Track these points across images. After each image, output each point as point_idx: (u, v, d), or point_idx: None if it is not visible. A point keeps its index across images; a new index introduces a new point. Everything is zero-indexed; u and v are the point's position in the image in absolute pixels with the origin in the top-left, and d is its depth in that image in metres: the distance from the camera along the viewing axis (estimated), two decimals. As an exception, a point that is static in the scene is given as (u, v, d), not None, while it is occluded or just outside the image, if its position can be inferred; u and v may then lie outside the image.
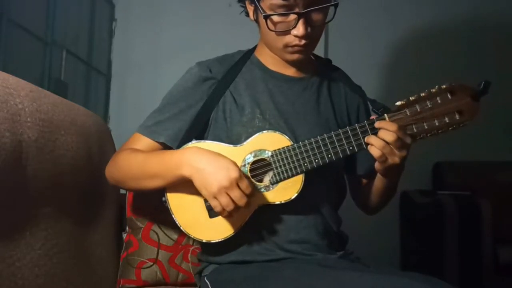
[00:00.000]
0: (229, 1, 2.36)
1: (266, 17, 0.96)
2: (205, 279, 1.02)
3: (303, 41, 0.98)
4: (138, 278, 1.21)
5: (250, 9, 1.05)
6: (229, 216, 0.92)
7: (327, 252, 1.02)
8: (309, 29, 0.96)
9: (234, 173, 0.88)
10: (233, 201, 0.88)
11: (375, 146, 0.90)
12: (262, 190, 0.96)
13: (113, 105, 2.46)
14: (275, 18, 0.96)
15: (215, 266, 1.03)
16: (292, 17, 0.96)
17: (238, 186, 0.88)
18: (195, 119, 1.05)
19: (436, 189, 2.33)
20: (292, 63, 1.07)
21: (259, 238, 1.00)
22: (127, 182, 1.03)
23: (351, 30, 2.35)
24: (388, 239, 2.38)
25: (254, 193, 0.91)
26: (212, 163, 0.90)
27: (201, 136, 1.06)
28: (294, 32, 0.96)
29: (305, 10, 0.94)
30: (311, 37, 0.99)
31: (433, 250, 2.06)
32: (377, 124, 0.91)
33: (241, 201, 0.88)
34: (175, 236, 1.24)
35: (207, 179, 0.89)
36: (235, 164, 0.91)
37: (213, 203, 0.90)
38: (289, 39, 0.98)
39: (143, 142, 1.04)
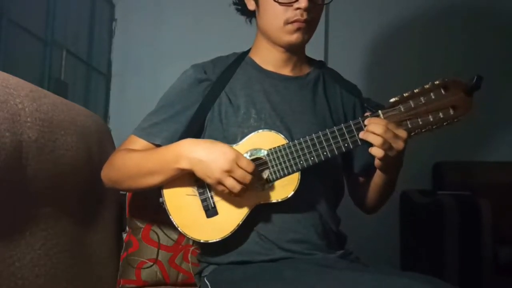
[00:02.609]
0: (229, 1, 2.37)
1: None
2: (205, 280, 1.02)
3: (304, 16, 0.99)
4: (138, 278, 1.21)
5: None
6: (238, 196, 0.93)
7: (326, 252, 1.02)
8: (310, 5, 0.98)
9: (232, 155, 0.90)
10: (238, 181, 0.90)
11: (374, 143, 0.90)
12: (259, 189, 0.96)
13: (113, 105, 2.46)
14: None
15: (215, 266, 1.03)
16: None
17: (239, 166, 0.90)
18: (191, 121, 1.05)
19: (436, 189, 2.33)
20: (289, 49, 1.06)
21: (257, 238, 1.00)
22: (124, 182, 1.03)
23: (349, 29, 2.36)
24: (388, 239, 2.38)
25: (256, 171, 0.92)
26: (208, 151, 0.92)
27: (197, 138, 1.06)
28: (296, 5, 0.98)
29: None
30: (311, 15, 1.00)
31: (433, 250, 2.06)
32: (366, 122, 0.92)
33: (246, 178, 0.90)
34: (175, 236, 1.24)
35: (207, 168, 0.91)
36: (230, 147, 0.93)
37: (220, 188, 0.92)
38: (291, 13, 0.99)
39: (139, 144, 1.05)
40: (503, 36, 2.51)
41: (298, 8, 0.98)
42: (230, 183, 0.90)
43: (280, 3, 0.99)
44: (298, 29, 1.01)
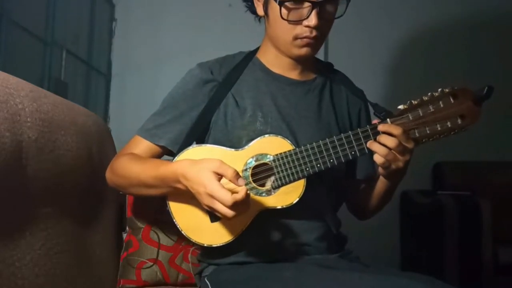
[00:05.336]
0: (229, 1, 2.38)
1: (281, 3, 0.95)
2: (205, 280, 1.02)
3: (314, 33, 0.97)
4: (138, 278, 1.21)
5: (259, 4, 1.04)
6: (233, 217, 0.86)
7: (326, 254, 1.02)
8: (320, 22, 0.96)
9: (207, 188, 0.83)
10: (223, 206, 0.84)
11: (378, 153, 0.90)
12: (264, 194, 0.96)
13: (113, 105, 2.46)
14: (289, 5, 0.96)
15: (215, 266, 1.03)
16: (306, 5, 0.95)
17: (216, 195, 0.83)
18: (196, 122, 1.04)
19: (436, 189, 2.34)
20: (297, 60, 1.05)
21: (259, 241, 1.00)
22: (127, 190, 1.05)
23: (351, 32, 2.35)
24: (388, 239, 2.38)
25: (246, 200, 0.84)
26: (194, 179, 0.87)
27: (201, 139, 1.06)
28: (306, 22, 0.96)
29: (319, 0, 0.94)
30: (320, 31, 0.98)
31: (433, 250, 2.06)
32: (380, 127, 0.90)
33: (227, 214, 0.83)
34: (175, 236, 1.24)
35: (197, 196, 0.88)
36: (212, 175, 0.85)
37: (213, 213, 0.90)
38: (300, 30, 0.98)
39: (143, 145, 1.04)
40: (504, 36, 2.52)
41: (307, 26, 0.96)
42: (220, 208, 0.84)
43: (289, 21, 0.97)
44: (307, 44, 1.00)
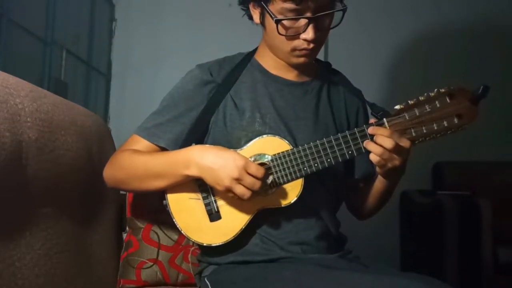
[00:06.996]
0: (229, 1, 2.38)
1: (278, 21, 0.95)
2: (205, 280, 1.02)
3: (311, 45, 0.98)
4: (138, 279, 1.21)
5: (255, 12, 1.04)
6: (248, 200, 0.92)
7: (325, 253, 1.02)
8: (317, 34, 0.97)
9: (241, 162, 0.90)
10: (247, 188, 0.90)
11: (374, 153, 0.90)
12: (262, 194, 0.96)
13: (113, 105, 2.46)
14: (286, 22, 0.97)
15: (215, 266, 1.04)
16: (303, 21, 0.96)
17: (248, 173, 0.90)
18: (195, 123, 1.04)
19: (436, 189, 2.34)
20: (296, 67, 1.06)
21: (258, 240, 1.00)
22: (129, 183, 1.02)
23: (351, 33, 2.35)
24: (388, 239, 2.38)
25: (266, 175, 0.93)
26: (218, 157, 0.92)
27: (201, 140, 1.06)
28: (303, 36, 0.97)
29: (315, 15, 0.95)
30: (318, 41, 0.99)
31: (433, 250, 2.06)
32: (370, 130, 0.91)
33: (255, 185, 0.90)
34: (175, 236, 1.24)
35: (217, 175, 0.90)
36: (239, 154, 0.92)
37: (229, 195, 0.92)
38: (298, 42, 0.98)
39: (142, 144, 1.03)
40: (504, 37, 2.52)
41: (305, 39, 0.97)
42: (240, 191, 0.90)
43: (286, 36, 0.98)
44: (305, 55, 1.01)
